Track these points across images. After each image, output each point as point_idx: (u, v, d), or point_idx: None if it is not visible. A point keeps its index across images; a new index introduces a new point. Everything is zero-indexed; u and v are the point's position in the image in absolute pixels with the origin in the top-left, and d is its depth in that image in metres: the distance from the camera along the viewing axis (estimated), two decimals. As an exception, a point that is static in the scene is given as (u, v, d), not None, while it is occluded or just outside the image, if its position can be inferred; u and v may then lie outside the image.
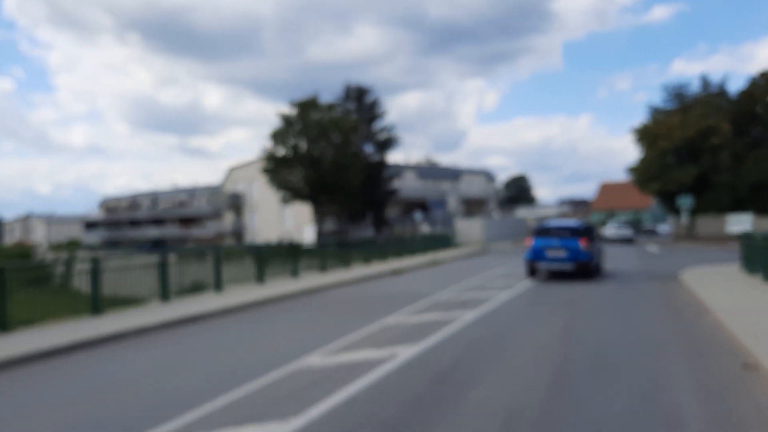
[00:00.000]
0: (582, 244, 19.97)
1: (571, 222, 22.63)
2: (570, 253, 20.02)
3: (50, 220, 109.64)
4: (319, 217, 58.54)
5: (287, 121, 47.92)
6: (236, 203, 73.74)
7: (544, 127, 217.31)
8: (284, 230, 68.14)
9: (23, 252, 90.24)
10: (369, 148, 57.62)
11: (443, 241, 39.42)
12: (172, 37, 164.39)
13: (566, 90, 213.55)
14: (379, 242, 34.45)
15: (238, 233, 73.31)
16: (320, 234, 63.03)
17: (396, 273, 24.78)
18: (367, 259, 29.30)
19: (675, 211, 52.06)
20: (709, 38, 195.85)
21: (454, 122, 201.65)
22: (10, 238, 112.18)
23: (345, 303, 16.26)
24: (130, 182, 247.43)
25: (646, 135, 50.81)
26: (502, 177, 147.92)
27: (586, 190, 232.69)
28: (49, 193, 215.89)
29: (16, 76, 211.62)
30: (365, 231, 57.27)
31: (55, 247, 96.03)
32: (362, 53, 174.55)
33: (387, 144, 57.40)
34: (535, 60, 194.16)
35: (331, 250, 27.88)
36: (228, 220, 75.51)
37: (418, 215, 51.28)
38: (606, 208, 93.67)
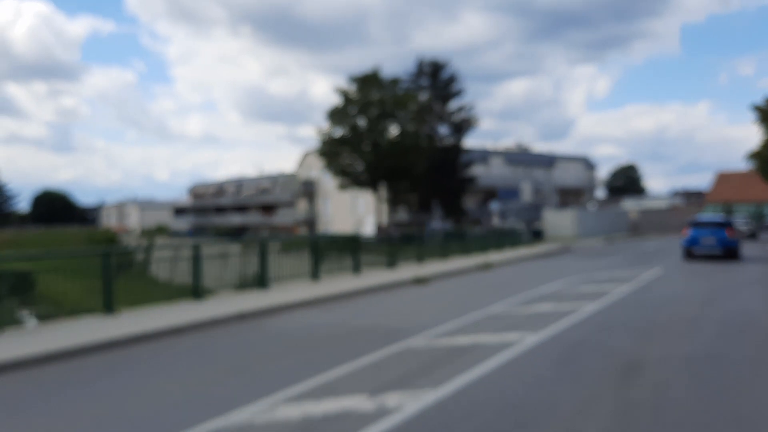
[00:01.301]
0: (728, 233, 25.52)
1: (718, 217, 29.10)
2: (719, 240, 25.43)
3: (143, 205, 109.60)
4: (390, 206, 52.71)
5: (346, 98, 42.13)
6: (309, 190, 68.86)
7: (659, 114, 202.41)
8: (357, 219, 62.67)
9: (108, 237, 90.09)
10: (444, 130, 51.02)
11: (507, 238, 32.33)
12: (281, 28, 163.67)
13: (683, 75, 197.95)
14: (430, 238, 28.15)
15: (310, 222, 68.55)
16: (391, 225, 57.33)
17: (420, 282, 18.41)
18: (420, 257, 23.92)
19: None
20: None
21: (562, 110, 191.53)
22: (107, 223, 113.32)
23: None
24: (241, 170, 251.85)
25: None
26: (611, 166, 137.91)
27: (703, 182, 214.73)
28: (167, 180, 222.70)
29: (138, 68, 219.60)
30: (437, 222, 50.89)
31: (146, 232, 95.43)
32: (468, 40, 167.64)
33: (463, 125, 50.54)
34: (650, 44, 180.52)
35: (385, 246, 23.30)
36: (302, 207, 70.94)
37: (494, 206, 44.07)
38: (722, 201, 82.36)
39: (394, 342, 9.50)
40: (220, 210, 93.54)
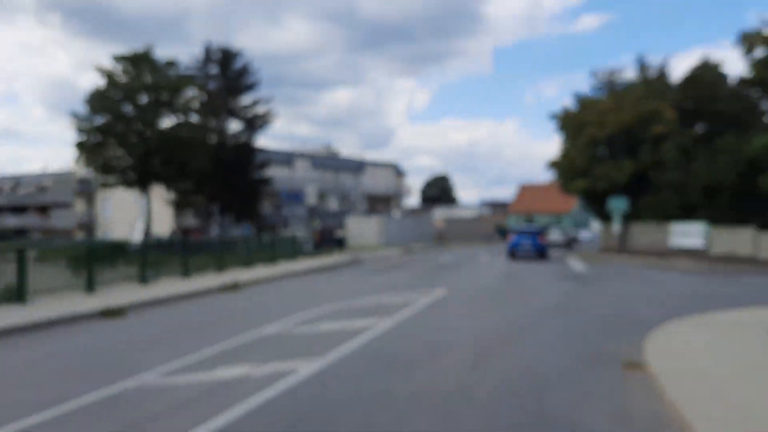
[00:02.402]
0: (540, 240, 33.06)
1: (534, 227, 39.52)
2: (533, 245, 32.66)
3: None
4: (176, 209, 45.96)
5: (111, 80, 35.05)
6: (87, 190, 59.76)
7: (472, 129, 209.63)
8: (132, 223, 54.99)
9: None
10: (237, 126, 45.21)
11: (284, 247, 27.07)
12: (95, 19, 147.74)
13: (495, 94, 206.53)
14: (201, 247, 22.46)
15: (89, 226, 59.57)
16: (178, 230, 50.49)
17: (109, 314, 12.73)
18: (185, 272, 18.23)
19: (604, 216, 41.68)
20: (635, 49, 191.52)
21: (384, 120, 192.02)
22: None
23: None
24: (47, 167, 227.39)
25: (570, 122, 40.26)
26: (427, 176, 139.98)
27: (510, 194, 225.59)
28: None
29: None
30: (246, 228, 45.01)
31: None
32: (293, 46, 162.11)
33: (257, 122, 45.03)
34: (466, 62, 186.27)
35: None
36: (79, 209, 61.65)
37: (294, 210, 38.94)
38: (524, 211, 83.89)
39: None
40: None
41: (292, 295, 16.57)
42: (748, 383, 7.13)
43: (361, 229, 50.68)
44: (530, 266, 27.68)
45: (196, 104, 38.47)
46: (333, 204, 64.42)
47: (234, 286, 17.41)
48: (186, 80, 36.66)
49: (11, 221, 73.93)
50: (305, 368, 8.05)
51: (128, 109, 35.16)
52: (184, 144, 36.16)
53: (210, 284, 17.41)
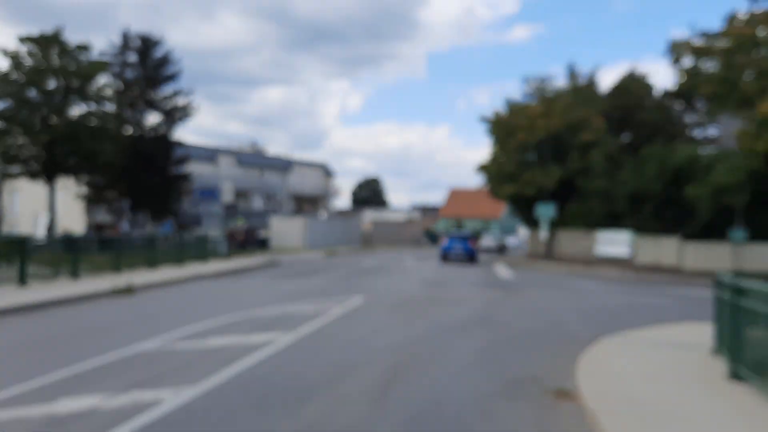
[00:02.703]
0: (471, 244, 35.08)
1: (466, 232, 43.88)
2: (464, 249, 34.32)
3: None
4: (88, 204, 43.04)
5: (15, 62, 32.21)
6: (-8, 182, 55.84)
7: (405, 133, 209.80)
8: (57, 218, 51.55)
9: None
10: (155, 118, 42.74)
11: (194, 248, 25.02)
12: (12, 3, 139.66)
13: (428, 99, 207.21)
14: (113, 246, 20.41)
15: (-8, 220, 55.56)
16: (92, 227, 47.51)
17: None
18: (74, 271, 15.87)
19: (531, 222, 41.25)
20: (566, 60, 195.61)
21: (317, 121, 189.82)
22: None
23: None
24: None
25: (501, 126, 39.64)
26: (358, 179, 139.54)
27: (441, 199, 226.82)
28: None
29: None
30: (167, 226, 42.46)
31: None
32: (225, 43, 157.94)
33: (177, 114, 42.66)
34: (400, 66, 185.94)
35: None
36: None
37: (209, 207, 36.62)
38: (454, 215, 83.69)
39: None
40: None
41: (190, 301, 14.89)
42: (691, 416, 6.02)
43: (285, 230, 48.85)
44: (456, 272, 26.68)
45: (109, 92, 35.95)
46: (258, 203, 62.28)
47: (128, 290, 15.59)
48: (98, 66, 34.17)
49: None
50: (172, 399, 6.51)
51: (33, 94, 32.46)
52: (94, 134, 33.74)
53: (100, 287, 15.53)
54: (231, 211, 40.10)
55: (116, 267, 19.49)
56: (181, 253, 22.90)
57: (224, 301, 14.82)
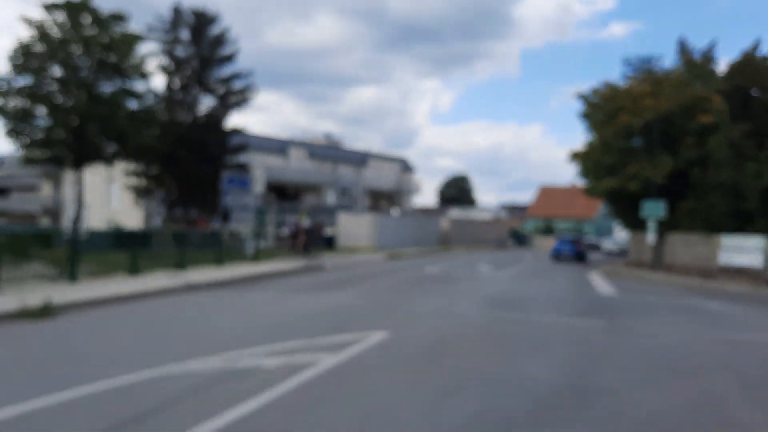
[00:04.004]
0: (577, 246, 40.50)
1: (572, 236, 49.83)
2: (572, 250, 39.77)
3: None
4: (137, 196, 39.19)
5: (41, 33, 28.26)
6: (55, 172, 53.09)
7: (496, 132, 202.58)
8: (111, 211, 48.57)
9: None
10: (209, 102, 38.40)
11: (209, 249, 19.67)
12: None
13: (520, 97, 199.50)
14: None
15: (55, 211, 53.10)
16: (176, 220, 43.93)
17: None
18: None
19: (633, 223, 34.17)
20: (664, 58, 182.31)
21: (408, 120, 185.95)
22: None
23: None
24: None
25: (599, 107, 32.75)
26: (447, 177, 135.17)
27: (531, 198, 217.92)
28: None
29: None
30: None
31: None
32: (321, 43, 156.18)
33: (231, 98, 38.12)
34: (492, 65, 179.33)
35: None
36: (45, 193, 55.24)
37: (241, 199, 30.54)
38: (544, 215, 76.17)
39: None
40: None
41: (106, 338, 9.58)
42: None
43: (353, 227, 43.66)
44: (541, 285, 20.48)
45: (149, 68, 31.56)
46: (330, 198, 57.42)
47: (42, 312, 10.44)
48: (133, 38, 29.71)
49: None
50: None
51: (59, 69, 28.44)
52: (131, 115, 29.48)
53: (10, 307, 10.50)
54: (269, 204, 35.21)
55: (70, 275, 14.46)
56: (181, 255, 17.79)
57: (168, 335, 9.43)
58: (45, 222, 52.73)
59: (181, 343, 8.61)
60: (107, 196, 48.43)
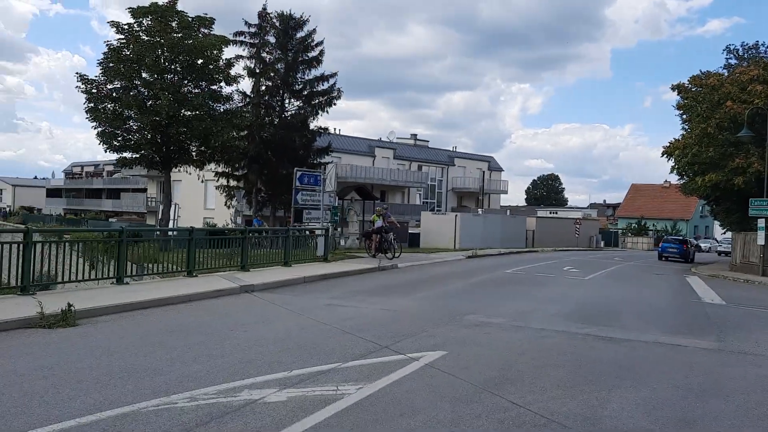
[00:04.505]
0: (684, 246, 38.77)
1: (678, 237, 47.00)
2: (679, 250, 38.34)
3: (18, 183, 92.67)
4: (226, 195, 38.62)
5: (131, 36, 27.76)
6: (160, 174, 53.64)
7: (587, 132, 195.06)
8: (208, 210, 48.64)
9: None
10: (296, 104, 37.28)
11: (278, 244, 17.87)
12: None
13: (612, 97, 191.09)
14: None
15: (157, 211, 53.79)
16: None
17: None
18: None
19: (740, 223, 30.24)
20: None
21: (498, 123, 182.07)
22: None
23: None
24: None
25: (700, 97, 28.97)
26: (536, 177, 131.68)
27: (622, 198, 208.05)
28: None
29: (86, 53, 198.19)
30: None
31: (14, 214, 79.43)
32: (414, 51, 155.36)
33: (316, 98, 36.81)
34: (583, 66, 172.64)
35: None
36: (151, 193, 56.08)
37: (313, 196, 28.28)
38: (635, 214, 70.97)
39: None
40: (94, 193, 77.49)
41: (102, 354, 7.91)
42: None
43: (435, 227, 41.45)
44: (632, 289, 17.66)
45: (236, 71, 30.58)
46: (416, 197, 55.40)
47: (63, 317, 8.94)
48: (217, 38, 28.74)
49: (108, 204, 70.64)
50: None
51: (148, 73, 27.84)
52: (217, 117, 28.56)
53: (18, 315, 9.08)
54: (351, 202, 33.50)
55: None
56: (244, 254, 16.19)
57: (173, 352, 7.65)
58: (150, 222, 53.50)
59: (178, 365, 6.81)
60: (204, 196, 48.46)
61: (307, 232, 20.64)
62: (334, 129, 49.10)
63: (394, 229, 24.19)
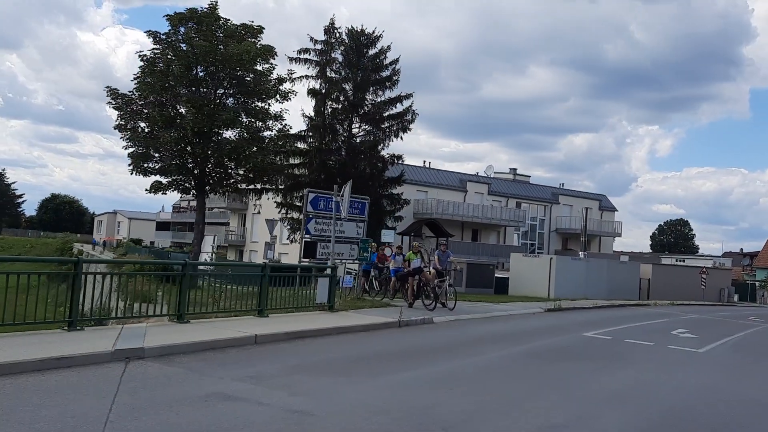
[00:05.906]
0: None
1: None
2: None
3: (133, 216, 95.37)
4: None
5: (168, 45, 24.70)
6: (241, 205, 51.10)
7: (722, 177, 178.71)
8: (280, 246, 45.12)
9: (65, 245, 76.01)
10: (364, 129, 33.13)
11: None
12: None
13: (750, 140, 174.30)
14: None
15: (239, 244, 51.14)
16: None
17: None
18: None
19: None
20: None
21: (624, 165, 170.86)
22: (97, 232, 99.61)
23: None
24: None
25: None
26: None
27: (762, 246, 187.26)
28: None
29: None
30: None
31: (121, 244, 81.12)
32: (535, 93, 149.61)
33: (385, 121, 32.43)
34: (717, 107, 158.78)
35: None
36: (232, 226, 53.69)
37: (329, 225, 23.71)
38: (777, 265, 60.37)
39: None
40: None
41: None
42: None
43: (525, 270, 35.39)
44: (753, 385, 11.35)
45: (296, 89, 26.79)
46: (512, 238, 49.30)
47: None
48: (263, 48, 25.08)
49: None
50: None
51: (185, 87, 24.63)
52: (255, 138, 24.85)
53: None
54: (419, 240, 28.40)
55: None
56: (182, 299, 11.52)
57: None
58: (230, 256, 51.07)
59: None
60: (281, 230, 45.25)
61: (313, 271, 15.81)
62: (423, 162, 44.66)
63: (449, 271, 18.83)
